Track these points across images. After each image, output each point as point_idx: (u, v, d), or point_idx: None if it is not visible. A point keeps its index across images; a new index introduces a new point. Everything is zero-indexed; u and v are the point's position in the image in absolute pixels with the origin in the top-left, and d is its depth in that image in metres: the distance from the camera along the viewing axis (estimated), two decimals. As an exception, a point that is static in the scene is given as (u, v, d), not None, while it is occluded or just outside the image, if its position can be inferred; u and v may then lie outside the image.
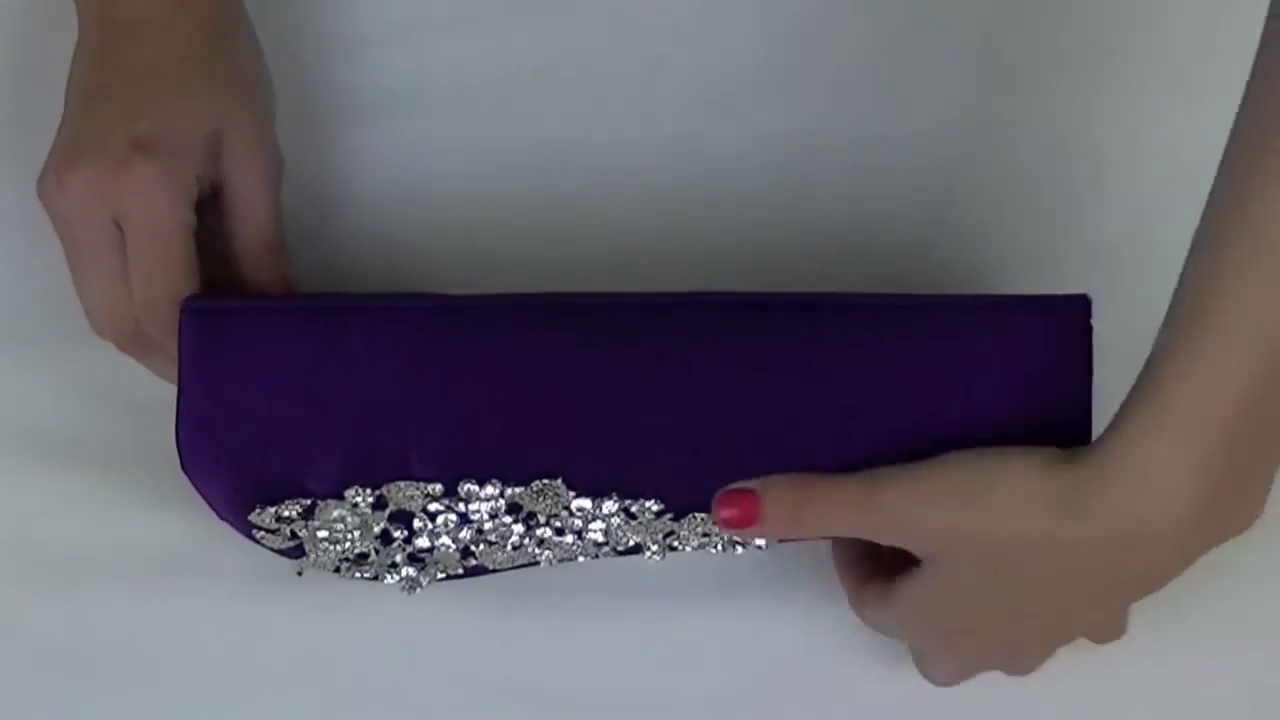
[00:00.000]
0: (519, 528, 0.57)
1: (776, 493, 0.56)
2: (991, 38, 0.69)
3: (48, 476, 0.63)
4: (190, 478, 0.58)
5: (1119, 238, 0.67)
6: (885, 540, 0.56)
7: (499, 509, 0.57)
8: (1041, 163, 0.68)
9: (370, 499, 0.57)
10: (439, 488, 0.57)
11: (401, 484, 0.57)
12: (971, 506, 0.53)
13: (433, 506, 0.57)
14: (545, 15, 0.69)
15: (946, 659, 0.59)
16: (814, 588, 0.62)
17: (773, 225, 0.67)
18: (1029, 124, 0.68)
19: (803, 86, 0.69)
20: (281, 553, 0.59)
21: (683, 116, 0.68)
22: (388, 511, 0.57)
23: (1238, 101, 0.52)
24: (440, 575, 0.59)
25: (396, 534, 0.58)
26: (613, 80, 0.69)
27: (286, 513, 0.58)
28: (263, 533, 0.58)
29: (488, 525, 0.57)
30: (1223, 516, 0.52)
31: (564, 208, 0.67)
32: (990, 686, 0.61)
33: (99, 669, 0.62)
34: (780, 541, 0.58)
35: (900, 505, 0.54)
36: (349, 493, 0.57)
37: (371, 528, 0.58)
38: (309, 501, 0.58)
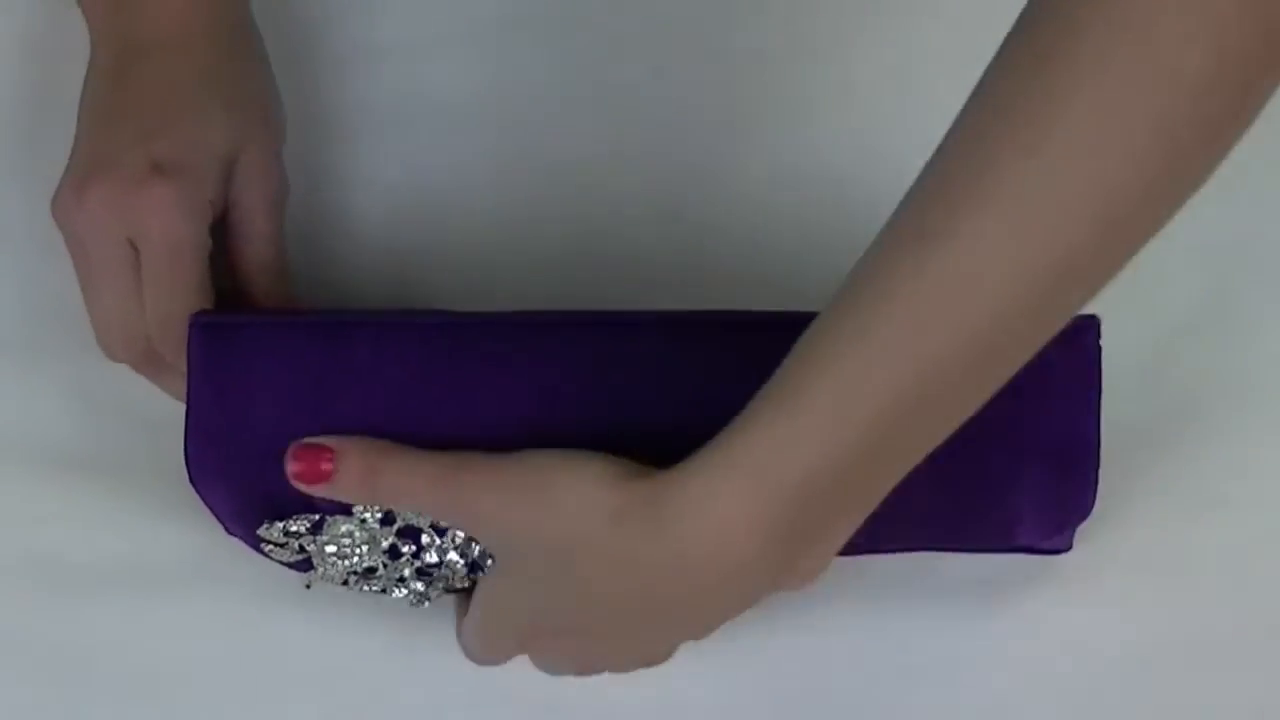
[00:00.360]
0: None
1: (355, 452, 0.55)
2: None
3: (55, 487, 0.63)
4: (198, 491, 0.58)
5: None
6: (460, 525, 0.56)
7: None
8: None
9: (378, 514, 0.57)
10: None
11: None
12: (542, 504, 0.53)
13: (441, 523, 0.57)
14: (545, 30, 0.69)
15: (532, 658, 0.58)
16: (817, 597, 0.61)
17: (776, 237, 0.67)
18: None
19: (805, 95, 0.69)
20: (289, 565, 0.59)
21: (683, 130, 0.68)
22: (395, 527, 0.58)
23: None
24: (448, 589, 0.59)
25: (404, 549, 0.58)
26: (612, 94, 0.69)
27: (295, 527, 0.58)
28: (271, 546, 0.59)
29: None
30: (783, 566, 0.52)
31: (565, 220, 0.67)
32: (1001, 695, 0.61)
33: (105, 678, 0.62)
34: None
35: (478, 491, 0.54)
36: (357, 508, 0.57)
37: (380, 543, 0.58)
38: (317, 516, 0.58)
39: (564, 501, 0.52)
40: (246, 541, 0.59)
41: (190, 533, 0.62)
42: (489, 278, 0.66)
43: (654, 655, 0.57)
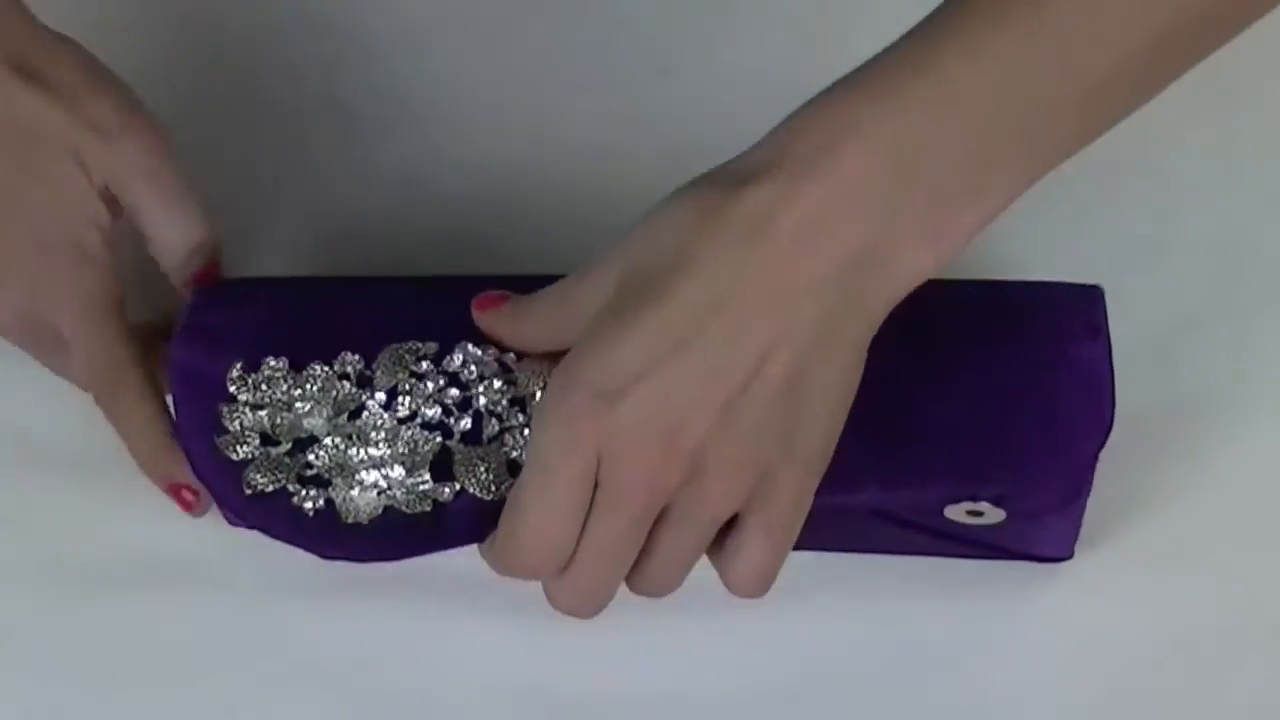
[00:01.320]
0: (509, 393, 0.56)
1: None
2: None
3: (60, 484, 0.64)
4: (181, 339, 0.58)
5: (1146, 230, 0.67)
6: None
7: (490, 372, 0.57)
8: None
9: (359, 365, 0.57)
10: (434, 346, 0.57)
11: (396, 345, 0.57)
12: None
13: (424, 366, 0.57)
14: (552, 21, 0.70)
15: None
16: (827, 591, 0.61)
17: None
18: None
19: (810, 91, 0.69)
20: (237, 467, 0.57)
21: (689, 123, 0.69)
22: (375, 387, 0.57)
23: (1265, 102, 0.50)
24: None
25: (371, 403, 0.57)
26: (619, 86, 0.69)
27: (270, 374, 0.57)
28: (238, 409, 0.57)
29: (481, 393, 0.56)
30: (902, 219, 0.48)
31: (569, 213, 0.68)
32: (1007, 689, 0.60)
33: (110, 677, 0.61)
34: None
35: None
36: (338, 361, 0.57)
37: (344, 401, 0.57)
38: (285, 369, 0.57)
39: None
40: (192, 447, 0.57)
41: (194, 530, 0.62)
42: (487, 266, 0.65)
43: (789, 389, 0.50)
